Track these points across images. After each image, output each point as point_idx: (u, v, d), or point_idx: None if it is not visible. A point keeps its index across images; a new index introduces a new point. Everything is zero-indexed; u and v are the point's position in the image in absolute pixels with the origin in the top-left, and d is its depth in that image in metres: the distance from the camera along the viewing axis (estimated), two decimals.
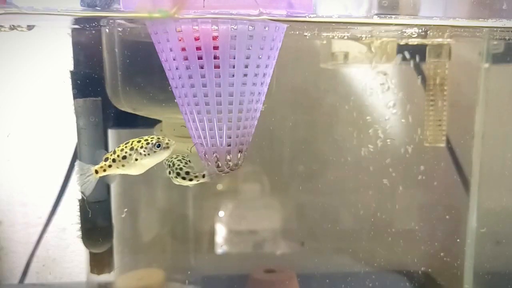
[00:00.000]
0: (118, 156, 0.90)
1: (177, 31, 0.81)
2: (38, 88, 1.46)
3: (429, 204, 1.69)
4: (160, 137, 0.90)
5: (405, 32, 1.11)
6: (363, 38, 1.36)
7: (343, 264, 1.72)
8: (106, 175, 0.93)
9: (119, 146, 0.91)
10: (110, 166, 0.91)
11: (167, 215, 1.65)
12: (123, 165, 0.90)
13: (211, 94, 0.83)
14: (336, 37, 1.25)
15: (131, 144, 0.90)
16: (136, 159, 0.89)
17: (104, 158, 0.92)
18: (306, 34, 1.18)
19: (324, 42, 1.46)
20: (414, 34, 1.15)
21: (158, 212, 1.64)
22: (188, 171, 0.94)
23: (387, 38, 1.36)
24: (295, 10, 0.85)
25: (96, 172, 0.92)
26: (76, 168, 0.95)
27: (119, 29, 1.07)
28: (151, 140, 0.89)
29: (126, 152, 0.90)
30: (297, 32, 1.15)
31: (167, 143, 0.89)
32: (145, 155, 0.89)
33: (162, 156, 0.90)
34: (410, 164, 1.66)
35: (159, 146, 0.89)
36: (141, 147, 0.89)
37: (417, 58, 1.48)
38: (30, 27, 1.08)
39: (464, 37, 1.29)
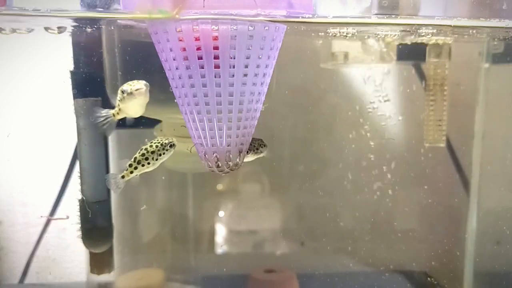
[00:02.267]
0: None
1: (177, 31, 0.81)
2: (38, 88, 1.46)
3: (429, 204, 1.69)
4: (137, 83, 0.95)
5: (420, 31, 1.11)
6: (364, 38, 1.36)
7: (343, 264, 1.72)
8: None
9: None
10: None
11: (167, 215, 1.65)
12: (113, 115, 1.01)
13: (211, 94, 0.83)
14: (337, 35, 1.25)
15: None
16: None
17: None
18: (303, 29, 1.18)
19: (320, 42, 1.46)
20: (424, 34, 1.15)
21: (158, 212, 1.64)
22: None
23: (389, 38, 1.35)
24: (295, 10, 0.85)
25: (114, 115, 1.02)
26: (96, 112, 1.04)
27: (119, 29, 1.07)
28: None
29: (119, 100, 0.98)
30: (300, 30, 1.15)
31: (132, 90, 0.94)
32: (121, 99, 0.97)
33: (132, 102, 0.96)
34: (410, 164, 1.66)
35: (123, 92, 0.95)
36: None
37: (417, 58, 1.48)
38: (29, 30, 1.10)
39: (465, 36, 1.29)
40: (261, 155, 1.00)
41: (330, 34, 1.20)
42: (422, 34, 1.18)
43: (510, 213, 1.59)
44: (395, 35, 1.26)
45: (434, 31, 1.17)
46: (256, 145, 0.98)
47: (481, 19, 0.99)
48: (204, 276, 1.67)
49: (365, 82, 1.64)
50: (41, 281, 1.58)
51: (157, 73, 0.98)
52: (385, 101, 1.64)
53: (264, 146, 1.00)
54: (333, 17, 0.94)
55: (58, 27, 1.10)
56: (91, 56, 1.19)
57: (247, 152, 0.96)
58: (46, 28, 1.10)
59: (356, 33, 1.22)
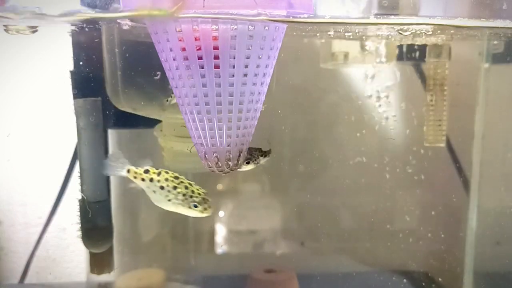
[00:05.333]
0: (159, 181, 0.87)
1: (177, 31, 0.81)
2: (38, 88, 1.46)
3: (429, 204, 1.69)
4: (207, 197, 0.86)
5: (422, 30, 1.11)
6: (364, 38, 1.36)
7: (343, 264, 1.72)
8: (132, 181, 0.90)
9: (168, 173, 0.87)
10: (143, 180, 0.88)
11: (167, 215, 1.65)
12: (154, 191, 0.87)
13: (211, 94, 0.83)
14: (340, 34, 1.25)
15: (179, 183, 0.87)
16: (169, 200, 0.87)
17: (145, 168, 0.88)
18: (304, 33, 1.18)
19: (323, 40, 1.46)
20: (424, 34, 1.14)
21: (158, 212, 1.64)
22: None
23: (390, 38, 1.36)
24: (295, 10, 0.85)
25: (128, 171, 0.89)
26: (111, 154, 0.91)
27: (119, 28, 1.07)
28: (196, 195, 0.86)
29: (167, 186, 0.86)
30: (295, 33, 1.15)
31: (205, 209, 0.86)
32: (179, 203, 0.86)
33: (191, 213, 0.86)
34: (410, 164, 1.66)
35: (196, 206, 0.86)
36: (184, 195, 0.85)
37: (417, 58, 1.48)
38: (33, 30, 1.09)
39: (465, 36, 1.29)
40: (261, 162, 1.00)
41: (331, 34, 1.20)
42: (422, 32, 1.18)
43: (510, 213, 1.59)
44: (396, 35, 1.26)
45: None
46: (255, 155, 0.97)
47: (482, 19, 0.99)
48: (204, 276, 1.67)
49: (365, 82, 1.64)
50: (41, 281, 1.58)
51: (157, 73, 0.98)
52: (385, 101, 1.65)
53: (264, 156, 0.99)
54: (333, 17, 0.94)
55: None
56: (91, 56, 1.19)
57: (247, 162, 0.95)
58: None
59: (356, 33, 1.22)
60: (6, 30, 1.07)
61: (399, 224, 1.71)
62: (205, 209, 0.86)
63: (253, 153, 0.96)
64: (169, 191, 0.86)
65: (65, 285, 1.62)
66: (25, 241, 1.57)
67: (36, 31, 1.08)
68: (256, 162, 0.96)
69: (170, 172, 0.88)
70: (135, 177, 0.88)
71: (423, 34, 1.17)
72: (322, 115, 1.66)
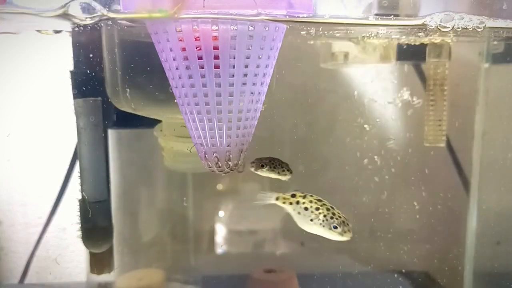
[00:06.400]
0: (304, 203, 0.95)
1: (177, 31, 0.81)
2: (38, 88, 1.46)
3: (429, 204, 1.69)
4: (347, 221, 0.91)
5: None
6: (364, 38, 1.36)
7: (343, 264, 1.72)
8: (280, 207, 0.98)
9: (312, 196, 0.96)
10: (290, 203, 0.96)
11: (167, 215, 1.65)
12: (298, 213, 0.95)
13: (211, 94, 0.83)
14: (338, 35, 1.25)
15: (322, 205, 0.93)
16: (311, 220, 0.93)
17: (291, 193, 0.97)
18: (303, 33, 1.18)
19: (321, 42, 1.46)
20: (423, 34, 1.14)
21: (158, 212, 1.64)
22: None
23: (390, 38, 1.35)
24: (295, 10, 0.85)
25: (277, 198, 0.98)
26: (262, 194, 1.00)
27: (119, 29, 1.07)
28: (336, 217, 0.91)
29: (311, 207, 0.94)
30: (302, 33, 1.15)
31: (345, 232, 0.90)
32: (320, 224, 0.92)
33: (331, 235, 0.92)
34: (410, 164, 1.66)
35: (336, 228, 0.90)
36: (324, 215, 0.92)
37: (417, 58, 1.48)
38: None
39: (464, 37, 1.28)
40: (283, 178, 1.01)
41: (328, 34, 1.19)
42: (423, 32, 1.18)
43: (510, 213, 1.59)
44: (396, 36, 1.26)
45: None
46: (280, 166, 0.99)
47: (483, 16, 0.99)
48: (204, 276, 1.67)
49: (365, 82, 1.64)
50: (41, 281, 1.58)
51: (157, 73, 0.98)
52: (385, 101, 1.64)
53: (289, 171, 1.03)
54: (333, 17, 0.94)
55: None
56: (91, 56, 1.19)
57: (262, 166, 0.97)
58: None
59: (356, 33, 1.22)
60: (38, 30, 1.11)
61: (399, 224, 1.71)
62: (345, 232, 0.91)
63: (282, 163, 0.97)
64: (312, 212, 0.93)
65: (65, 285, 1.62)
66: (25, 241, 1.57)
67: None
68: (276, 170, 0.98)
69: (314, 196, 0.96)
70: (283, 202, 0.97)
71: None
72: (322, 115, 1.66)
